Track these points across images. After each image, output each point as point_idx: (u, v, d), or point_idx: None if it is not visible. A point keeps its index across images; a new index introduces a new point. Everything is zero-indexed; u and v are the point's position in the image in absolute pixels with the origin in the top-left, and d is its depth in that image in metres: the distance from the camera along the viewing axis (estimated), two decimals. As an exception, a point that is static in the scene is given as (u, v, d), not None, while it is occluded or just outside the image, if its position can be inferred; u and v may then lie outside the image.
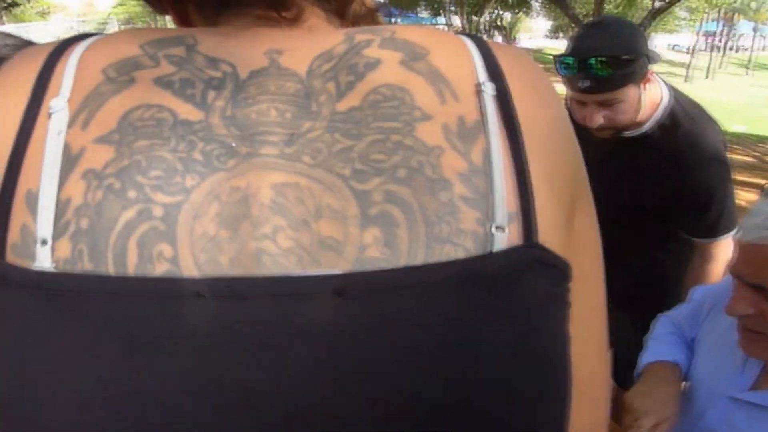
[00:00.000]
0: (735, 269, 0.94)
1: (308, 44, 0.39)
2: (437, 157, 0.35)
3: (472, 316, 0.33)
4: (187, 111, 0.35)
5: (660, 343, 1.21)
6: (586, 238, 0.41)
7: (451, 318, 0.33)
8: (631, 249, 1.76)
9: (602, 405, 0.44)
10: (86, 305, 0.31)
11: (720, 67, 31.16)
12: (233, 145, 0.35)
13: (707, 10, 27.85)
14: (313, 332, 0.32)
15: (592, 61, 1.42)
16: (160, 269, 0.32)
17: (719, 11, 29.61)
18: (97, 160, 0.34)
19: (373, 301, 0.32)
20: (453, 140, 0.36)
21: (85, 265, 0.32)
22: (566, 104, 1.66)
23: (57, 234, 0.32)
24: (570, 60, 1.46)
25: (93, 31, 0.42)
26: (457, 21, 21.09)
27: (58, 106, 0.35)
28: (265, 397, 0.31)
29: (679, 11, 29.10)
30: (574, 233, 0.39)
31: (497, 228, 0.34)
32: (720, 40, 34.09)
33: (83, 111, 0.35)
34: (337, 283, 0.32)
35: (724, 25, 34.11)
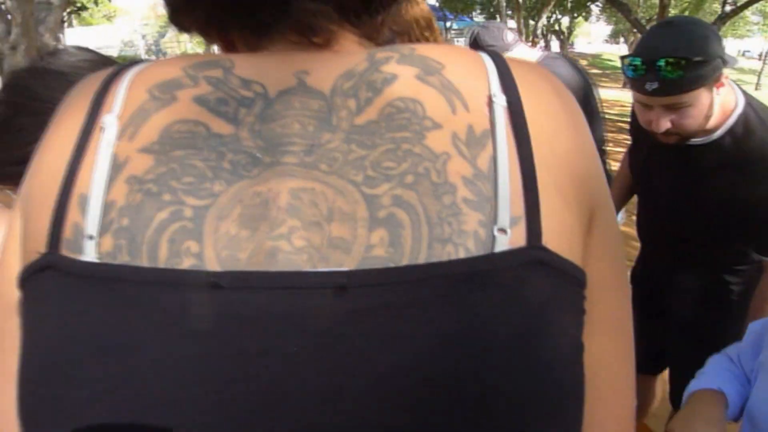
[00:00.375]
0: None
1: (333, 65, 0.42)
2: (443, 163, 0.37)
3: (467, 311, 0.34)
4: (219, 125, 0.39)
5: (708, 375, 1.18)
6: (606, 246, 0.42)
7: (446, 313, 0.34)
8: (697, 267, 1.61)
9: (624, 415, 0.44)
10: (123, 291, 0.35)
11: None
12: (258, 155, 0.38)
13: (781, 14, 26.44)
14: (317, 323, 0.34)
15: (661, 62, 1.30)
16: (186, 263, 0.36)
17: (795, 15, 28.07)
18: (139, 168, 0.38)
19: (373, 295, 0.34)
20: (460, 147, 0.38)
21: (124, 258, 0.36)
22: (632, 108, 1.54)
23: (102, 231, 0.37)
24: (637, 61, 1.34)
25: (146, 58, 0.41)
26: (512, 25, 20.81)
27: (109, 121, 0.40)
28: (270, 385, 0.34)
29: (751, 15, 27.79)
30: (592, 241, 0.40)
31: (499, 230, 0.36)
32: (795, 46, 32.36)
33: (130, 125, 0.40)
34: (340, 279, 0.35)
35: (799, 31, 32.32)
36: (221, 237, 0.36)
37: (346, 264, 0.35)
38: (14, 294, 0.40)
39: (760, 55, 27.04)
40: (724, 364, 1.19)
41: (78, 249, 0.37)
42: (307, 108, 0.40)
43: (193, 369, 0.34)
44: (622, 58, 1.39)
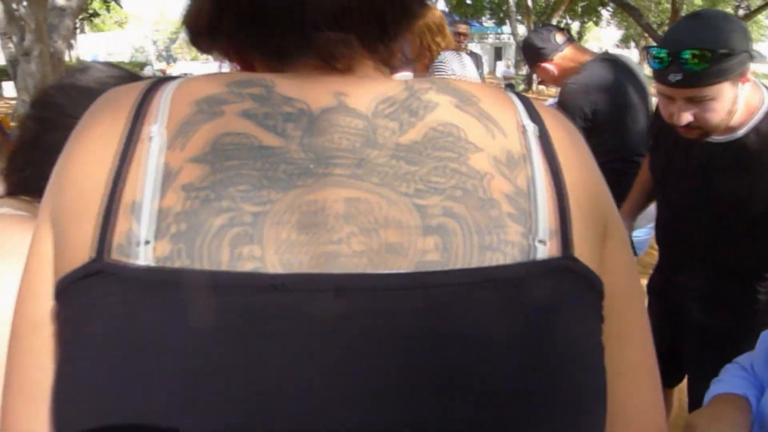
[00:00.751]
0: None
1: (370, 90, 0.45)
2: (488, 181, 0.41)
3: (519, 312, 0.38)
4: (268, 138, 0.41)
5: (727, 381, 1.16)
6: (618, 258, 0.46)
7: (502, 313, 0.38)
8: (717, 274, 1.56)
9: (646, 421, 0.47)
10: (186, 294, 0.36)
11: (807, 79, 29.27)
12: (311, 166, 0.40)
13: (794, 18, 26.26)
14: (388, 323, 0.37)
15: (686, 54, 1.28)
16: (249, 266, 0.37)
17: (808, 19, 27.84)
18: (194, 176, 0.39)
19: (435, 295, 0.37)
20: (501, 168, 0.42)
21: (183, 262, 0.37)
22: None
23: (158, 236, 0.37)
24: (663, 53, 1.32)
25: (178, 74, 0.51)
26: (522, 30, 20.75)
27: (157, 131, 0.41)
28: (349, 380, 0.36)
29: (764, 20, 27.61)
30: (606, 255, 0.44)
31: (539, 241, 0.40)
32: (807, 51, 32.04)
33: (179, 136, 0.41)
34: (402, 280, 0.37)
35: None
36: (281, 241, 0.38)
37: (403, 267, 0.38)
38: (38, 310, 0.40)
39: (773, 60, 26.84)
40: (738, 372, 1.18)
41: (131, 254, 0.37)
42: (351, 126, 0.42)
43: (269, 368, 0.35)
44: (647, 49, 1.38)
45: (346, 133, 0.42)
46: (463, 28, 4.84)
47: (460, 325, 0.37)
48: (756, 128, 1.37)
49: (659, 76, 1.35)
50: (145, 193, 0.39)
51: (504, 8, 24.42)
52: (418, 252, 0.38)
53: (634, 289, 0.48)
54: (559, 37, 2.20)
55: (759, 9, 10.45)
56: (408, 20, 0.49)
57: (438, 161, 0.42)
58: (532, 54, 2.27)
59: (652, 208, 1.88)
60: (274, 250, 0.37)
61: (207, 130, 0.41)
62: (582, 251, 0.41)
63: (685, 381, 1.83)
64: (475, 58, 5.11)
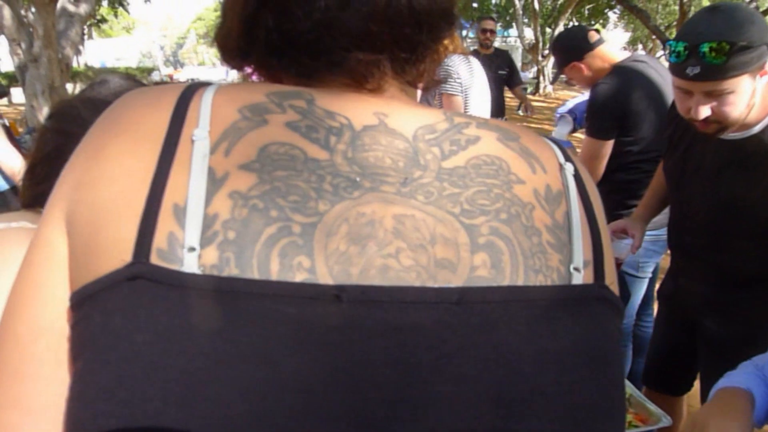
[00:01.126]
0: None
1: (410, 115, 0.46)
2: (530, 210, 0.43)
3: (561, 330, 0.40)
4: (314, 150, 0.41)
5: (735, 376, 1.16)
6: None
7: (546, 330, 0.40)
8: (731, 279, 1.52)
9: None
10: (237, 303, 0.35)
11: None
12: (357, 179, 0.41)
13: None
14: (436, 336, 0.37)
15: (704, 47, 1.27)
16: (300, 276, 0.37)
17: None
18: (242, 184, 0.39)
19: (485, 311, 0.39)
20: (541, 201, 0.44)
21: (232, 270, 0.36)
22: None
23: (204, 243, 0.36)
24: (680, 46, 1.30)
25: (212, 80, 0.51)
26: (529, 33, 20.71)
27: (201, 135, 0.40)
28: (396, 393, 0.36)
29: (770, 21, 27.46)
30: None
31: (575, 269, 0.43)
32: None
33: (224, 141, 0.40)
34: (455, 294, 0.38)
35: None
36: (331, 253, 0.38)
37: (453, 282, 0.39)
38: (47, 315, 0.38)
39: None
40: (747, 368, 1.16)
41: (175, 260, 0.36)
42: (393, 146, 0.43)
43: (320, 379, 0.35)
44: (665, 43, 1.35)
45: (389, 152, 0.43)
46: (489, 24, 4.76)
47: (505, 341, 0.38)
48: None
49: (677, 69, 1.33)
50: (190, 196, 0.37)
51: (510, 11, 24.40)
52: (467, 268, 0.39)
53: None
54: (591, 37, 2.19)
55: (768, 10, 10.38)
56: (435, 43, 0.50)
57: (483, 186, 0.43)
58: (563, 53, 2.26)
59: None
60: (324, 262, 0.37)
61: (253, 137, 0.41)
62: (611, 280, 0.45)
63: (695, 388, 1.80)
64: (501, 57, 5.02)
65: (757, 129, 1.36)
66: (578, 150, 2.29)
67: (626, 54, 2.23)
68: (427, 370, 0.37)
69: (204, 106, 0.42)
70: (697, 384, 1.79)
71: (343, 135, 0.42)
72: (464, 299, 0.38)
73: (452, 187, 0.42)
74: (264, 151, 0.40)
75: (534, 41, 19.32)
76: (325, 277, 0.37)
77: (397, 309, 0.37)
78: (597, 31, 2.27)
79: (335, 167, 0.41)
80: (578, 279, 0.42)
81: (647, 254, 2.10)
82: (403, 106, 0.47)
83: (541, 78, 18.72)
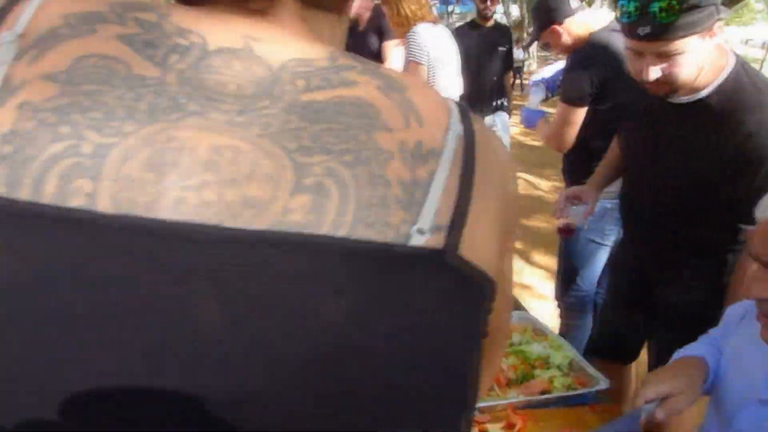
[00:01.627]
0: (751, 250, 0.91)
1: (289, 44, 0.41)
2: (386, 159, 0.38)
3: (377, 294, 0.36)
4: (143, 67, 0.37)
5: (690, 346, 1.21)
6: (508, 275, 0.48)
7: (358, 290, 0.35)
8: (683, 248, 1.54)
9: None
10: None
11: (798, 64, 29.26)
12: (182, 101, 0.37)
13: (786, 1, 26.17)
14: (216, 276, 0.33)
15: (654, 6, 1.27)
16: (75, 201, 0.33)
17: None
18: (37, 94, 0.35)
19: (281, 258, 0.34)
20: (405, 154, 0.39)
21: (0, 189, 0.33)
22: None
23: None
24: (631, 6, 1.30)
25: None
26: (515, 11, 20.57)
27: (8, 38, 0.37)
28: (162, 333, 0.33)
29: (755, 3, 27.55)
30: (503, 266, 0.45)
31: (418, 230, 0.37)
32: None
33: (34, 48, 0.37)
34: (253, 237, 0.34)
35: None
36: (121, 178, 0.34)
37: (256, 224, 0.35)
38: None
39: (764, 44, 26.79)
40: (703, 339, 1.22)
41: None
42: (249, 73, 0.39)
43: (86, 314, 0.32)
44: (617, 2, 1.35)
45: (239, 78, 0.38)
46: None
47: (298, 293, 0.34)
48: (720, 88, 1.36)
49: (628, 30, 1.33)
50: None
51: (497, -12, 24.18)
52: (280, 210, 0.35)
53: (511, 300, 0.54)
54: (574, 2, 2.19)
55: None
56: None
57: (337, 124, 0.38)
58: (544, 15, 2.24)
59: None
60: (108, 187, 0.33)
61: (71, 47, 0.37)
62: (474, 253, 0.39)
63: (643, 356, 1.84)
64: (501, 32, 4.34)
65: (704, 93, 1.38)
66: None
67: (605, 23, 2.22)
68: (202, 309, 0.33)
69: (29, 8, 0.38)
70: (644, 352, 1.84)
71: (188, 54, 0.38)
72: (258, 243, 0.34)
73: (300, 121, 0.38)
74: (79, 62, 0.36)
75: (520, 18, 19.20)
76: (105, 204, 0.33)
77: (174, 246, 0.33)
78: (521, 16, 2.26)
79: (162, 86, 0.37)
80: (418, 241, 0.37)
81: (614, 221, 2.12)
82: (287, 35, 0.42)
83: (527, 55, 18.67)
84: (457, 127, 0.42)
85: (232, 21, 0.41)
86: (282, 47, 0.41)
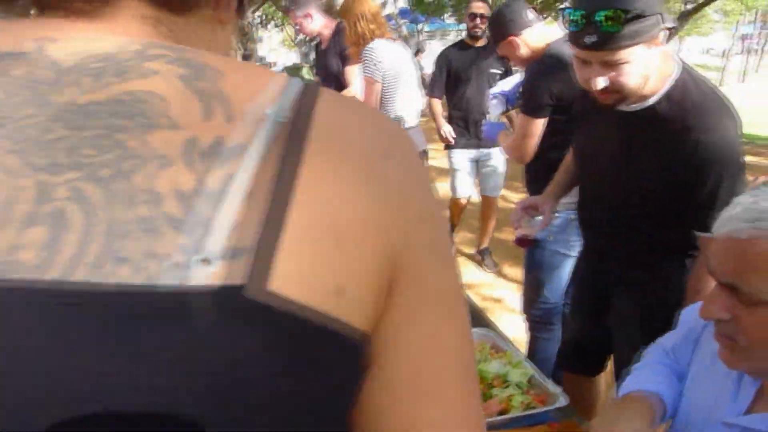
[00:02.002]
0: (709, 267, 0.87)
1: (95, 41, 0.36)
2: (159, 166, 0.31)
3: (120, 355, 0.27)
4: None
5: (643, 371, 1.12)
6: (417, 326, 0.36)
7: (80, 356, 0.27)
8: (640, 254, 1.53)
9: None
10: None
11: (757, 71, 30.14)
12: None
13: (743, 12, 27.06)
14: None
15: (600, 15, 1.29)
16: None
17: (756, 12, 28.69)
18: None
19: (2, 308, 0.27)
20: (192, 156, 0.31)
21: None
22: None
23: None
24: (577, 15, 1.31)
25: None
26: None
27: None
28: None
29: (712, 14, 28.42)
30: (392, 314, 0.35)
31: (202, 260, 0.29)
32: (757, 42, 32.95)
33: None
34: None
35: (762, 27, 32.92)
36: None
37: None
38: None
39: (723, 53, 27.60)
40: (658, 356, 1.16)
41: None
42: (27, 78, 0.34)
43: None
44: (560, 11, 1.37)
45: (10, 85, 0.33)
46: (480, 7, 3.63)
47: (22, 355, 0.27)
48: (667, 95, 1.38)
49: (575, 39, 1.34)
50: None
51: (464, 6, 24.52)
52: (6, 247, 0.28)
53: (451, 353, 0.37)
54: (531, 14, 2.19)
55: (705, 3, 10.68)
56: None
57: (104, 128, 0.31)
58: (500, 26, 2.24)
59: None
60: None
61: None
62: (302, 286, 0.30)
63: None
64: (493, 52, 3.47)
65: (652, 101, 1.39)
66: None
67: (562, 35, 2.24)
68: None
69: None
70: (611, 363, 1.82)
71: None
72: None
73: (65, 130, 0.31)
74: None
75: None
76: None
77: None
78: (536, 10, 2.28)
79: None
80: (200, 276, 0.28)
81: (579, 232, 2.12)
82: (99, 33, 0.37)
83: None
84: (282, 112, 0.34)
85: (36, 26, 0.37)
86: (83, 44, 0.36)
